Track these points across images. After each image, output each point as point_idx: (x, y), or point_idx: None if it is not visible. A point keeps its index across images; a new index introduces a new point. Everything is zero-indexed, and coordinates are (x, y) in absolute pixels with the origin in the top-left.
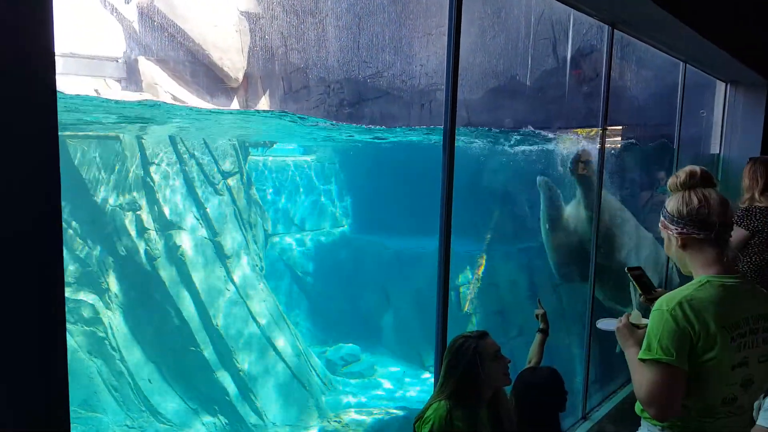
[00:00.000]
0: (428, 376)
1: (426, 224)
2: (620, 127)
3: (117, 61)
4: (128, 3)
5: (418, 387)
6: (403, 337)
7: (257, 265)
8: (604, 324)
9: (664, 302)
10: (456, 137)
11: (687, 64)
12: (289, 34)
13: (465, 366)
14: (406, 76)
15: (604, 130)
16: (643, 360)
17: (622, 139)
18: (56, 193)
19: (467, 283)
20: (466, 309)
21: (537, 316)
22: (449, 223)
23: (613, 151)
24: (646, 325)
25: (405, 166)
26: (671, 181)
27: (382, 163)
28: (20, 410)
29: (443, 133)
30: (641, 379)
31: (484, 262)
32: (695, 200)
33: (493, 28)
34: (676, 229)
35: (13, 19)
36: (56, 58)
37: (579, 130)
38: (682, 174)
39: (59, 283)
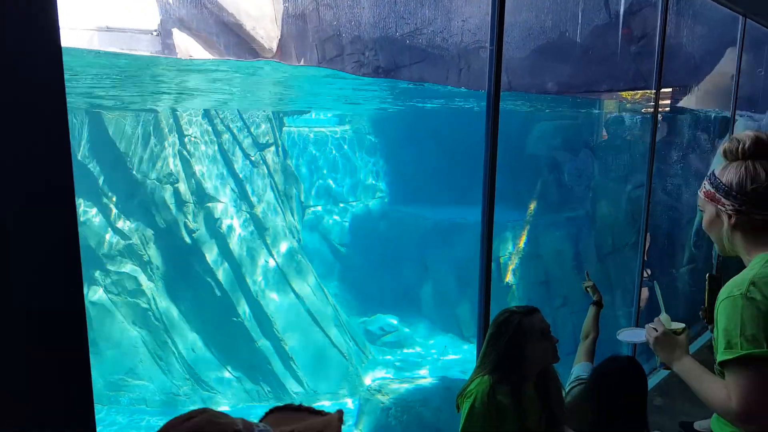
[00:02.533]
0: (468, 347)
1: (465, 194)
2: (670, 90)
3: (152, 34)
4: None
5: (458, 357)
6: (442, 308)
7: (294, 237)
8: (629, 335)
9: (734, 287)
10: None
11: (746, 18)
12: None
13: (506, 342)
14: (447, 34)
15: (658, 92)
16: (725, 363)
17: (673, 102)
18: (69, 182)
19: (509, 253)
20: (507, 280)
21: (586, 288)
22: (493, 190)
23: (664, 116)
24: (681, 330)
25: (443, 134)
26: (731, 146)
27: (419, 132)
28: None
29: (487, 95)
30: (725, 389)
31: (527, 231)
32: (763, 174)
33: None
34: (732, 205)
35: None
36: (92, 33)
37: (624, 94)
38: (747, 140)
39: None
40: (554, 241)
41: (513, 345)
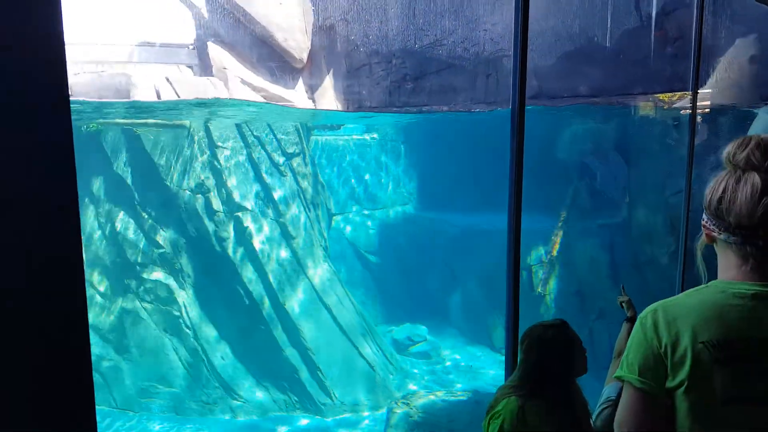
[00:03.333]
0: (500, 358)
1: (493, 200)
2: (709, 91)
3: (188, 48)
4: None
5: (489, 368)
6: (471, 317)
7: (321, 245)
8: None
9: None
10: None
11: None
12: (349, 8)
13: (535, 359)
14: (469, 43)
15: (695, 93)
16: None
17: (711, 104)
18: (73, 192)
19: (540, 262)
20: (538, 290)
21: (621, 304)
22: (519, 197)
23: (703, 117)
24: None
25: (470, 139)
26: (725, 152)
27: (446, 138)
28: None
29: (511, 103)
30: None
31: (559, 239)
32: (721, 188)
33: None
34: (702, 219)
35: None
36: (131, 48)
37: (661, 96)
38: (731, 144)
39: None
40: (587, 249)
41: (541, 361)
